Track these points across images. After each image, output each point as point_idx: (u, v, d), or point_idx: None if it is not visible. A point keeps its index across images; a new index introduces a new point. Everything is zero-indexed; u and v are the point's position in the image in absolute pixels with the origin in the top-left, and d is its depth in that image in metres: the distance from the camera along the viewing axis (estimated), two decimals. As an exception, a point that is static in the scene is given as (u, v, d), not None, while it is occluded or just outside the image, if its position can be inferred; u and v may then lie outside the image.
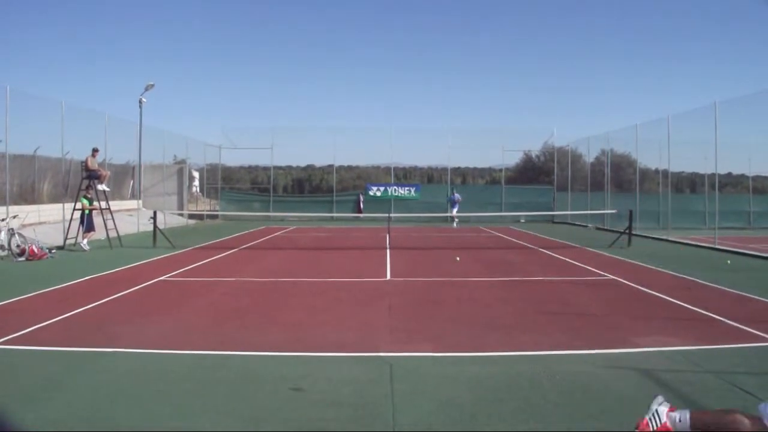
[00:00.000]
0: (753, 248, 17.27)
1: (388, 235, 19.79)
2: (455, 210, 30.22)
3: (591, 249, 17.69)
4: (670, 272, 12.49)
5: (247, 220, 31.38)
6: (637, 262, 14.28)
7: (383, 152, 46.82)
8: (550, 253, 16.88)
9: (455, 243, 20.21)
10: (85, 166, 17.83)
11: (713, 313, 8.30)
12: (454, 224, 29.99)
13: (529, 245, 19.36)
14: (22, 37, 77.61)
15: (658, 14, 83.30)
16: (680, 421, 3.86)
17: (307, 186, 44.14)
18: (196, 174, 37.14)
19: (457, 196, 31.07)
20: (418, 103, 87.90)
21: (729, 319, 7.91)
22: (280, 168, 40.70)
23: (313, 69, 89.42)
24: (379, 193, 35.10)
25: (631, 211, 19.25)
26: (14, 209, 16.90)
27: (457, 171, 42.06)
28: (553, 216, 32.44)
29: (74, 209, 17.26)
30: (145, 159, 29.30)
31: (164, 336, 7.08)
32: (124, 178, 28.48)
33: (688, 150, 23.52)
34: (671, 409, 3.97)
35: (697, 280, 11.46)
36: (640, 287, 10.53)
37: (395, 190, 35.24)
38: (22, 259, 14.15)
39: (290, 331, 7.38)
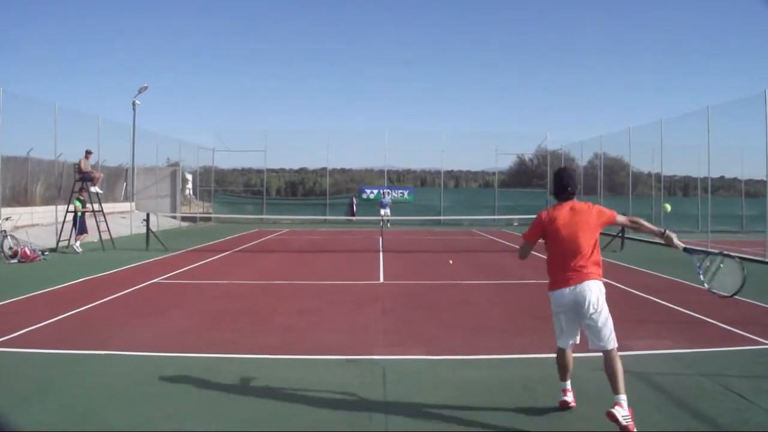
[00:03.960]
0: (746, 251, 17.32)
1: (381, 238, 19.78)
2: (384, 211, 30.73)
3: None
4: (663, 275, 12.54)
5: (240, 222, 31.31)
6: (629, 266, 14.33)
7: (377, 155, 46.86)
8: (543, 256, 16.84)
9: (448, 246, 20.23)
10: (78, 168, 17.77)
11: (706, 316, 8.34)
12: (388, 225, 29.78)
13: (522, 248, 19.33)
14: (15, 38, 77.30)
15: (651, 18, 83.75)
16: None
17: (301, 189, 44.09)
18: (189, 176, 37.04)
19: (387, 199, 32.76)
20: (412, 106, 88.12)
21: (721, 322, 7.95)
22: (273, 171, 40.62)
23: (307, 72, 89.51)
24: (372, 196, 35.07)
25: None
26: (7, 211, 16.81)
27: (450, 174, 42.14)
28: (546, 219, 32.42)
29: (67, 211, 17.18)
30: (138, 161, 29.25)
31: (157, 339, 7.06)
32: (117, 181, 28.36)
33: (680, 154, 23.67)
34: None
35: (690, 283, 11.49)
36: (632, 290, 10.57)
37: (388, 193, 35.20)
38: (15, 261, 14.09)
39: (283, 334, 7.37)
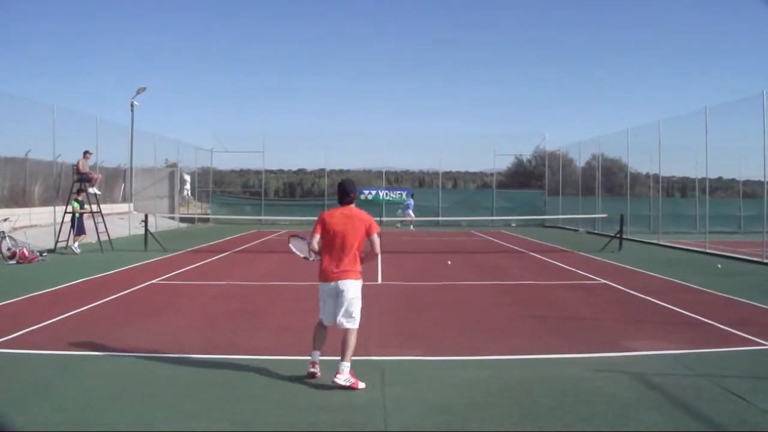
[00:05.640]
0: (743, 252, 17.37)
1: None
2: (410, 210, 31.01)
3: (582, 253, 17.75)
4: (661, 276, 12.56)
5: (239, 223, 31.29)
6: (627, 266, 14.34)
7: (375, 156, 46.84)
8: (541, 257, 16.93)
9: (446, 247, 20.23)
10: (76, 169, 17.75)
11: (704, 317, 8.35)
12: (411, 227, 29.96)
13: (520, 249, 19.40)
14: (13, 38, 77.23)
15: (650, 18, 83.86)
16: None
17: (299, 190, 44.06)
18: (187, 177, 37.00)
19: (411, 201, 32.54)
20: (411, 107, 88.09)
21: (720, 323, 7.96)
22: (271, 172, 40.57)
23: (305, 72, 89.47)
24: (370, 197, 35.04)
25: (622, 215, 19.33)
26: (5, 212, 16.80)
27: (448, 175, 42.13)
28: (544, 220, 32.51)
29: (65, 212, 17.16)
30: (137, 162, 29.25)
31: (155, 339, 7.04)
32: (116, 182, 28.35)
33: (678, 154, 23.68)
34: None
35: (688, 284, 11.52)
36: (630, 291, 10.57)
37: (386, 194, 35.16)
38: (13, 262, 14.06)
39: (281, 335, 7.38)
